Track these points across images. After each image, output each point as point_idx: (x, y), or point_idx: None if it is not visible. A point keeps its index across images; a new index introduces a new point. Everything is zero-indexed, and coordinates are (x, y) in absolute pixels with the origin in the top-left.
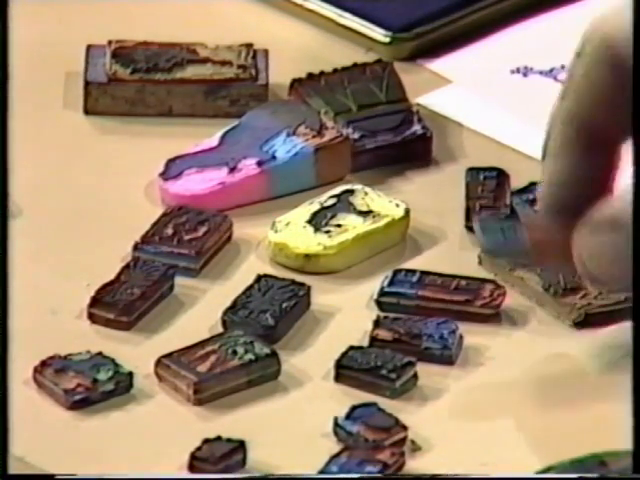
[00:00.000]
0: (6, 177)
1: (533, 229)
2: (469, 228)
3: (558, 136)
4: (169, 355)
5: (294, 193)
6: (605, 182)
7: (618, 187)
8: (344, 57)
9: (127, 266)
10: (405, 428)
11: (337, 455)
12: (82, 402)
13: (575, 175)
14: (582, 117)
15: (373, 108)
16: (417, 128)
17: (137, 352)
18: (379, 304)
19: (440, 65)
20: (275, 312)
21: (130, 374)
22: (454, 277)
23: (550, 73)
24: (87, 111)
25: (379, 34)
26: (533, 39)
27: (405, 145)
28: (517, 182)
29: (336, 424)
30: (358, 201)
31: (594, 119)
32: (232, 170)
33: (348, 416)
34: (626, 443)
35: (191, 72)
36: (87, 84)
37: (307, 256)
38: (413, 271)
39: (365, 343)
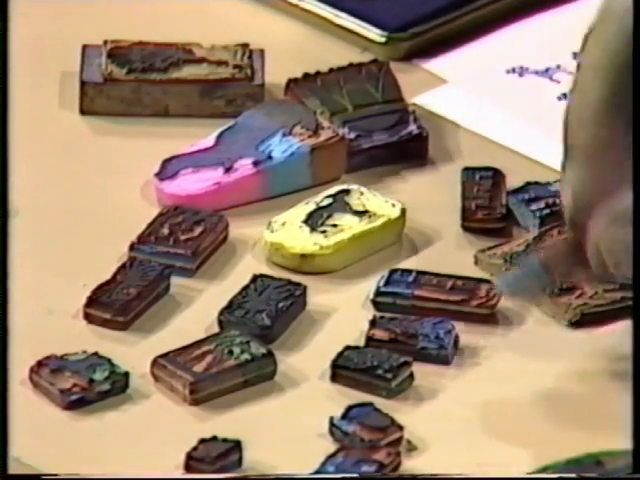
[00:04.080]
0: (6, 177)
1: (547, 248)
2: (465, 228)
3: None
4: (165, 355)
5: (290, 193)
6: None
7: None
8: (340, 57)
9: (123, 266)
10: (401, 428)
11: (333, 455)
12: (78, 402)
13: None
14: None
15: (369, 108)
16: (413, 128)
17: (133, 352)
18: (375, 304)
19: (436, 65)
20: (271, 312)
21: (126, 374)
22: (450, 277)
23: (546, 73)
24: (83, 111)
25: (375, 34)
26: (528, 39)
27: (401, 145)
28: (513, 182)
29: (332, 424)
30: (354, 201)
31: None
32: (228, 170)
33: (344, 416)
34: (624, 443)
35: (187, 72)
36: (83, 84)
37: (303, 256)
38: (409, 271)
39: (361, 343)
